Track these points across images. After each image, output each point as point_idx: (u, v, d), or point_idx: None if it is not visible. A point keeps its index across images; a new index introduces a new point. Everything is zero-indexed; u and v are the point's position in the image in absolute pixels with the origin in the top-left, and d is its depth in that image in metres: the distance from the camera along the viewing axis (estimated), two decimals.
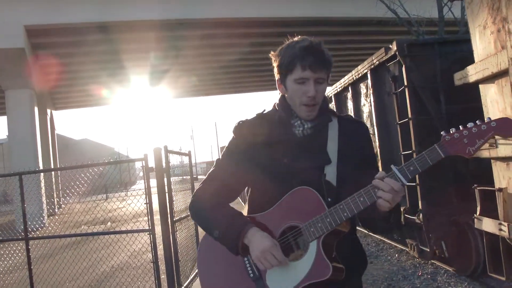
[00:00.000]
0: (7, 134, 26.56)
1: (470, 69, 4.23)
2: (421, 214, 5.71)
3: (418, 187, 5.76)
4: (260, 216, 1.78)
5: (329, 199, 1.69)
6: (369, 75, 6.93)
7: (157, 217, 5.19)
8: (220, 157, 1.95)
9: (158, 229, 5.22)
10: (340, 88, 8.54)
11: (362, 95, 7.60)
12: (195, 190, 1.95)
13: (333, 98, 9.00)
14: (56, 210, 23.61)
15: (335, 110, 8.80)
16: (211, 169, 1.94)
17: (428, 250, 6.13)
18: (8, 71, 19.03)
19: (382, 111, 6.81)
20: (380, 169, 6.71)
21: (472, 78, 4.21)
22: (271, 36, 20.49)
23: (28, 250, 5.76)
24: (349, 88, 7.98)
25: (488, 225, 4.26)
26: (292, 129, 1.82)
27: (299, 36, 1.83)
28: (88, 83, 25.78)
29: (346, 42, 24.02)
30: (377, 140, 6.94)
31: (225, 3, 19.49)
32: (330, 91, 9.34)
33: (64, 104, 31.98)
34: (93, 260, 6.45)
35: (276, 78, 1.86)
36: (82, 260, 6.74)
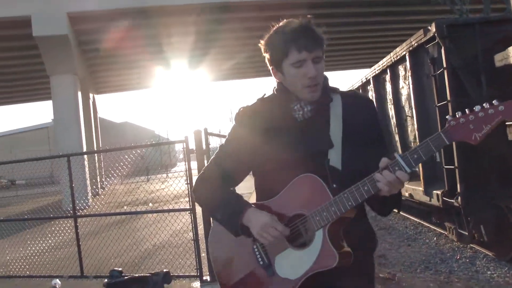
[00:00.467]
0: (52, 118, 27.49)
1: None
2: (459, 197, 5.66)
3: (456, 170, 5.71)
4: (266, 203, 1.77)
5: (334, 185, 1.65)
6: (407, 57, 6.85)
7: None
8: (224, 143, 1.93)
9: (198, 209, 5.41)
10: (379, 71, 8.47)
11: (400, 78, 7.52)
12: (198, 176, 1.96)
13: (371, 81, 8.94)
14: (99, 191, 24.41)
15: (373, 93, 8.77)
16: (214, 155, 1.94)
17: (467, 234, 6.09)
18: (52, 57, 19.72)
19: (420, 93, 6.74)
20: None
21: None
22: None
23: (76, 227, 6.09)
24: (388, 70, 7.90)
25: None
26: (292, 113, 1.77)
27: (284, 20, 1.78)
28: (128, 67, 26.36)
29: (386, 22, 23.59)
30: (415, 123, 6.89)
31: None
32: (368, 73, 9.27)
33: (106, 88, 32.78)
34: (137, 238, 6.72)
35: (270, 67, 1.81)
36: (126, 238, 7.02)
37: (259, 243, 1.72)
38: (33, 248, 7.61)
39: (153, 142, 6.57)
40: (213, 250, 1.89)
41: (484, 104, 1.44)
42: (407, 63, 6.93)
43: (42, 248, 7.77)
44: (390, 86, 7.91)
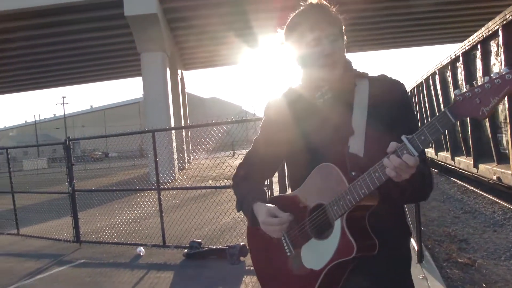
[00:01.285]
0: (142, 93, 28.81)
1: None
2: None
3: None
4: (289, 195, 1.78)
5: (353, 173, 1.58)
6: (500, 32, 6.40)
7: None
8: (258, 135, 1.96)
9: (276, 185, 5.55)
10: (469, 47, 8.00)
11: (492, 54, 7.06)
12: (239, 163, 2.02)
13: (460, 57, 8.48)
14: (186, 165, 25.36)
15: (462, 70, 8.33)
16: (250, 148, 1.98)
17: None
18: (142, 35, 20.59)
19: None
20: (509, 134, 6.31)
21: None
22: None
23: (160, 200, 6.43)
24: (478, 46, 7.44)
25: None
26: (314, 101, 1.74)
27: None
28: (215, 43, 26.86)
29: None
30: (506, 103, 6.47)
31: None
32: (457, 49, 8.79)
33: (193, 65, 33.71)
34: (217, 212, 6.94)
35: (293, 56, 1.78)
36: (207, 211, 7.29)
37: (286, 233, 1.73)
38: (121, 218, 8.12)
39: (238, 119, 6.77)
40: (250, 238, 1.92)
41: (492, 75, 1.29)
42: (500, 38, 6.48)
43: (128, 218, 8.29)
44: (480, 62, 7.47)
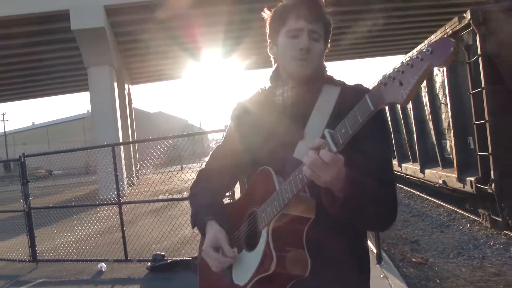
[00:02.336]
0: (87, 109, 28.24)
1: None
2: (493, 184, 5.71)
3: (490, 157, 5.74)
4: (235, 202, 1.69)
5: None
6: None
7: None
8: (221, 142, 1.82)
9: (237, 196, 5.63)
10: None
11: None
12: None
13: None
14: (135, 181, 24.98)
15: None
16: (210, 155, 1.83)
17: (501, 220, 6.13)
18: (90, 49, 20.26)
19: (455, 80, 6.76)
20: (452, 140, 6.69)
21: None
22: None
23: (121, 214, 6.41)
24: None
25: None
26: (273, 98, 1.61)
27: None
28: (161, 57, 26.79)
29: (421, 7, 23.27)
30: (449, 111, 6.92)
31: None
32: (403, 60, 9.28)
33: (140, 79, 33.38)
34: (175, 225, 6.97)
35: (268, 42, 1.65)
36: (164, 224, 7.28)
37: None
38: (78, 235, 8.01)
39: (194, 132, 6.86)
40: (200, 245, 1.70)
41: (415, 52, 1.16)
42: None
43: (85, 234, 8.15)
44: None
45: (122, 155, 17.80)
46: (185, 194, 15.81)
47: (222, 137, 1.91)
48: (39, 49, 22.95)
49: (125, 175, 20.11)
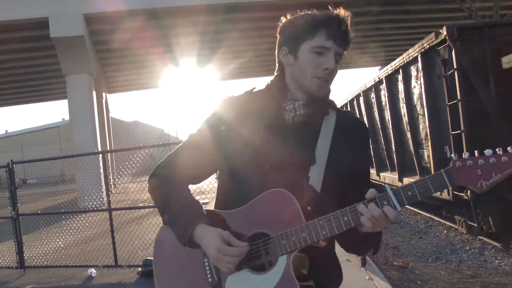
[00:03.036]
0: (63, 117, 27.97)
1: None
2: (469, 191, 6.01)
3: None
4: (226, 214, 1.54)
5: (308, 208, 1.44)
6: (419, 59, 7.19)
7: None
8: (195, 131, 1.67)
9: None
10: (391, 71, 8.80)
11: (412, 78, 7.85)
12: (159, 162, 1.69)
13: (384, 80, 9.27)
14: (113, 190, 24.84)
15: (386, 92, 9.11)
16: (181, 144, 1.68)
17: (476, 226, 6.45)
18: (69, 57, 20.18)
19: (432, 93, 7.07)
20: (430, 149, 7.00)
21: None
22: None
23: (111, 220, 6.51)
24: (400, 70, 8.24)
25: None
26: (281, 113, 1.55)
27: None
28: (138, 67, 26.81)
29: (397, 21, 23.89)
30: (427, 121, 7.22)
31: None
32: (381, 73, 9.60)
33: (117, 88, 33.26)
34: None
35: (281, 48, 1.58)
36: (149, 232, 7.37)
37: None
38: (65, 241, 8.04)
39: (171, 141, 6.98)
40: (158, 253, 1.65)
41: (497, 150, 1.30)
42: (419, 64, 7.26)
43: (72, 240, 8.20)
44: (402, 85, 8.25)
45: (101, 163, 17.80)
46: None
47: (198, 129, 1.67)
48: (14, 56, 22.74)
49: (103, 183, 20.04)
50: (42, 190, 26.77)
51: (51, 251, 7.57)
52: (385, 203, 1.33)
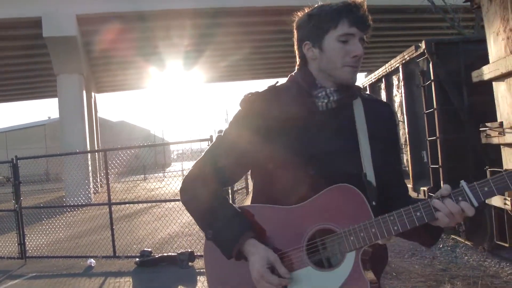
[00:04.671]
0: (49, 116, 28.02)
1: (485, 68, 5.03)
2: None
3: (440, 169, 6.58)
4: (285, 210, 1.46)
5: (373, 203, 1.43)
6: (400, 69, 7.72)
7: None
8: (223, 133, 1.60)
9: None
10: (375, 79, 9.34)
11: (394, 87, 8.39)
12: (191, 168, 1.61)
13: (368, 88, 9.80)
14: (99, 189, 25.10)
15: None
16: (211, 147, 1.62)
17: None
18: (61, 57, 20.48)
19: (411, 101, 7.60)
20: (408, 154, 7.55)
21: (486, 77, 5.01)
22: None
23: (111, 213, 6.92)
24: (383, 79, 8.77)
25: (496, 200, 5.09)
26: (314, 101, 1.51)
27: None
28: (126, 67, 27.22)
29: (382, 29, 24.54)
30: (406, 127, 7.76)
31: None
32: (365, 81, 10.13)
33: (105, 88, 33.52)
34: (151, 229, 7.47)
35: (303, 43, 1.55)
36: (139, 229, 7.79)
37: None
38: (63, 234, 8.42)
39: (161, 142, 7.39)
40: (209, 265, 1.60)
41: None
42: (400, 74, 7.80)
43: (70, 233, 8.58)
44: (384, 93, 8.78)
45: (89, 162, 18.19)
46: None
47: (221, 132, 1.61)
48: (5, 54, 22.92)
49: (92, 182, 20.38)
50: (28, 188, 26.91)
51: (51, 243, 7.95)
52: (460, 198, 1.32)
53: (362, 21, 1.48)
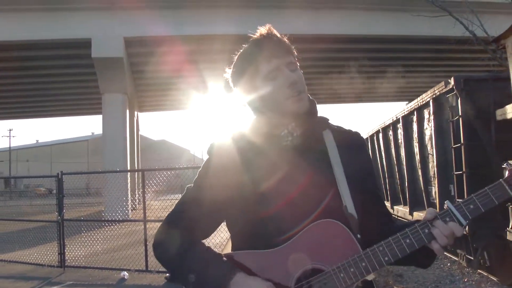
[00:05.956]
0: (92, 131, 29.10)
1: (508, 108, 5.20)
2: (467, 227, 6.61)
3: None
4: (266, 254, 1.39)
5: (358, 236, 1.37)
6: (431, 103, 7.88)
7: None
8: (193, 184, 1.55)
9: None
10: (407, 112, 9.49)
11: (425, 120, 8.53)
12: (162, 222, 1.54)
13: (400, 120, 9.94)
14: (136, 206, 25.76)
15: (402, 131, 9.78)
16: (180, 198, 1.56)
17: (473, 259, 7.01)
18: (107, 77, 21.50)
19: (440, 135, 7.72)
20: (436, 187, 7.68)
21: (509, 116, 5.18)
22: (348, 52, 21.70)
23: (145, 229, 7.31)
24: (415, 112, 8.93)
25: None
26: (279, 141, 1.46)
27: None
28: (169, 88, 28.11)
29: (423, 59, 24.59)
30: (435, 160, 7.87)
31: (302, 19, 20.82)
32: (398, 113, 10.28)
33: (147, 107, 34.63)
34: None
35: (243, 95, 1.54)
36: None
37: None
38: (101, 247, 8.92)
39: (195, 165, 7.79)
40: None
41: None
42: (431, 108, 7.95)
43: (107, 247, 9.05)
44: (416, 126, 8.92)
45: (128, 180, 18.78)
46: None
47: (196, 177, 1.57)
48: (57, 71, 24.17)
49: (130, 199, 21.00)
50: (69, 201, 27.89)
51: (88, 255, 8.42)
52: (448, 219, 1.30)
53: (277, 49, 1.45)
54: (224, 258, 1.40)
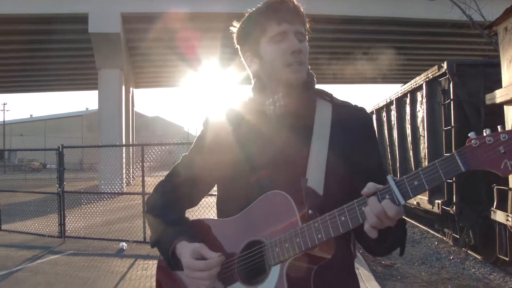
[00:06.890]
0: (87, 107, 29.13)
1: (497, 92, 5.41)
2: (454, 206, 6.89)
3: (454, 183, 6.93)
4: (223, 222, 1.43)
5: (310, 212, 1.27)
6: (424, 86, 8.08)
7: None
8: (188, 152, 1.61)
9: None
10: (401, 94, 9.69)
11: (418, 102, 8.74)
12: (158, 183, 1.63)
13: (394, 102, 10.15)
14: (131, 181, 25.97)
15: (395, 112, 9.99)
16: (175, 164, 1.62)
17: (459, 238, 7.31)
18: (103, 52, 21.50)
19: (432, 118, 7.95)
20: None
21: (498, 100, 5.39)
22: (343, 33, 21.75)
23: (144, 202, 7.53)
24: (408, 95, 9.13)
25: (499, 216, 5.45)
26: (263, 108, 1.45)
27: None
28: (164, 65, 28.16)
29: (418, 42, 24.70)
30: (426, 142, 8.11)
31: None
32: (392, 95, 10.48)
33: (143, 83, 34.67)
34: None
35: (245, 56, 1.52)
36: None
37: None
38: (100, 219, 9.18)
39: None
40: (161, 279, 1.53)
41: None
42: (424, 91, 8.16)
43: (106, 219, 9.31)
44: (409, 108, 9.14)
45: (124, 155, 18.94)
46: None
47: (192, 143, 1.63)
48: (51, 46, 24.09)
49: (124, 174, 21.18)
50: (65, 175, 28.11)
51: (88, 226, 8.68)
52: (387, 196, 1.13)
53: (291, 15, 1.40)
54: (183, 228, 1.42)
